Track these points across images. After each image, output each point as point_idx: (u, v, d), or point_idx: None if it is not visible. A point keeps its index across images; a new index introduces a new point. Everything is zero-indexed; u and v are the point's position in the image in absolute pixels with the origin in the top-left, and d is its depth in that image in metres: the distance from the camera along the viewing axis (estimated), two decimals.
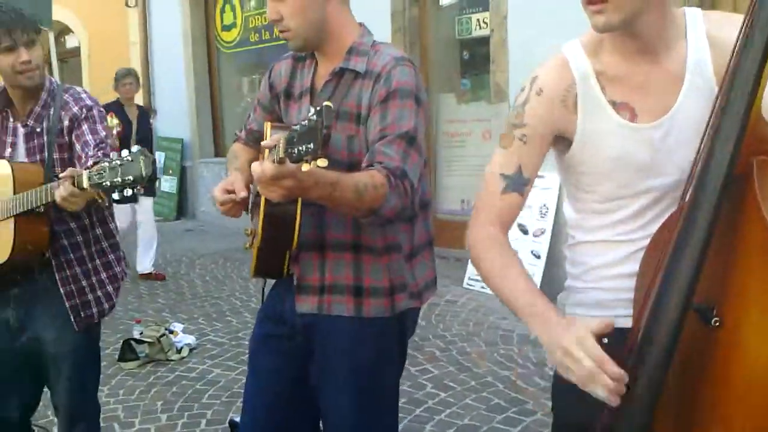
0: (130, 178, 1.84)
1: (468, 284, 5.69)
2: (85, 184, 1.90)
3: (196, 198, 9.29)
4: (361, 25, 1.91)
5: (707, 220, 1.14)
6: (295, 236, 1.76)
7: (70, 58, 11.85)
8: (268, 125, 1.82)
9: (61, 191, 1.95)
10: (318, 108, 1.33)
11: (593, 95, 1.38)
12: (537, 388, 3.71)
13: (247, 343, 4.53)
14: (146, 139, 6.54)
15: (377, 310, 1.85)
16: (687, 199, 1.19)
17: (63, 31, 11.42)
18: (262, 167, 1.45)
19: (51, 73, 5.72)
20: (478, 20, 6.37)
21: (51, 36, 6.62)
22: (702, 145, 1.19)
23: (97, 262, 2.40)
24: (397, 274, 1.86)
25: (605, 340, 1.39)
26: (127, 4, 10.15)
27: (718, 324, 1.14)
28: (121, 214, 6.17)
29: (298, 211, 1.74)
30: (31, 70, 2.23)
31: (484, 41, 6.18)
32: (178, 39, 9.44)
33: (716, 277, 1.16)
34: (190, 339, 4.64)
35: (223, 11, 9.23)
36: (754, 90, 1.12)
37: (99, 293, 2.39)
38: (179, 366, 4.32)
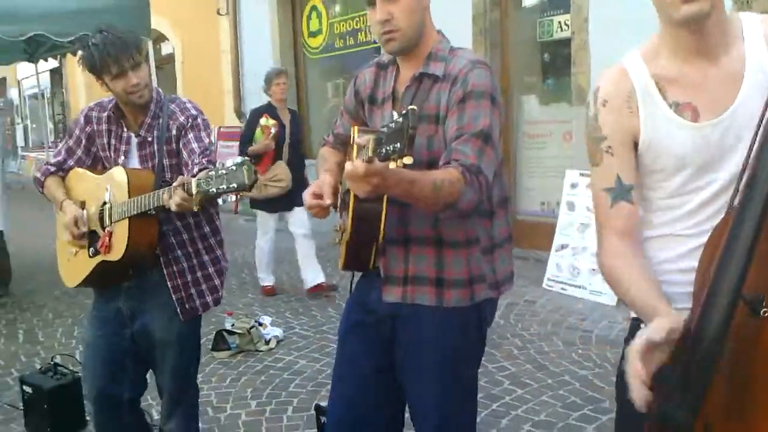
0: (234, 185, 2.06)
1: (547, 285, 5.71)
2: (194, 190, 2.11)
3: None
4: (438, 31, 2.02)
5: (757, 213, 1.20)
6: (381, 231, 1.91)
7: (165, 65, 12.35)
8: (355, 129, 1.98)
9: (175, 199, 2.16)
10: (404, 111, 1.46)
11: (653, 99, 1.46)
12: (614, 388, 3.71)
13: (331, 336, 4.76)
14: (299, 145, 6.03)
15: (457, 299, 1.97)
16: (738, 197, 1.26)
17: (158, 38, 11.85)
18: (354, 165, 1.57)
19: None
20: (559, 22, 6.38)
21: (149, 44, 7.03)
22: (752, 144, 1.26)
23: (205, 258, 2.61)
24: (477, 265, 1.97)
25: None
26: (218, 12, 10.52)
27: (767, 314, 1.20)
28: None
29: (384, 208, 1.88)
30: (140, 90, 2.44)
31: (566, 43, 6.20)
32: (267, 45, 9.76)
33: (766, 269, 1.22)
34: (278, 331, 4.87)
35: (309, 18, 9.51)
36: None
37: (203, 287, 2.61)
38: (267, 357, 4.56)
